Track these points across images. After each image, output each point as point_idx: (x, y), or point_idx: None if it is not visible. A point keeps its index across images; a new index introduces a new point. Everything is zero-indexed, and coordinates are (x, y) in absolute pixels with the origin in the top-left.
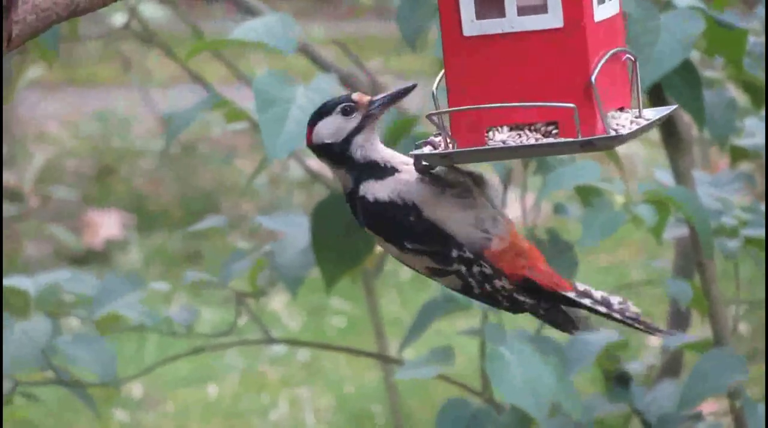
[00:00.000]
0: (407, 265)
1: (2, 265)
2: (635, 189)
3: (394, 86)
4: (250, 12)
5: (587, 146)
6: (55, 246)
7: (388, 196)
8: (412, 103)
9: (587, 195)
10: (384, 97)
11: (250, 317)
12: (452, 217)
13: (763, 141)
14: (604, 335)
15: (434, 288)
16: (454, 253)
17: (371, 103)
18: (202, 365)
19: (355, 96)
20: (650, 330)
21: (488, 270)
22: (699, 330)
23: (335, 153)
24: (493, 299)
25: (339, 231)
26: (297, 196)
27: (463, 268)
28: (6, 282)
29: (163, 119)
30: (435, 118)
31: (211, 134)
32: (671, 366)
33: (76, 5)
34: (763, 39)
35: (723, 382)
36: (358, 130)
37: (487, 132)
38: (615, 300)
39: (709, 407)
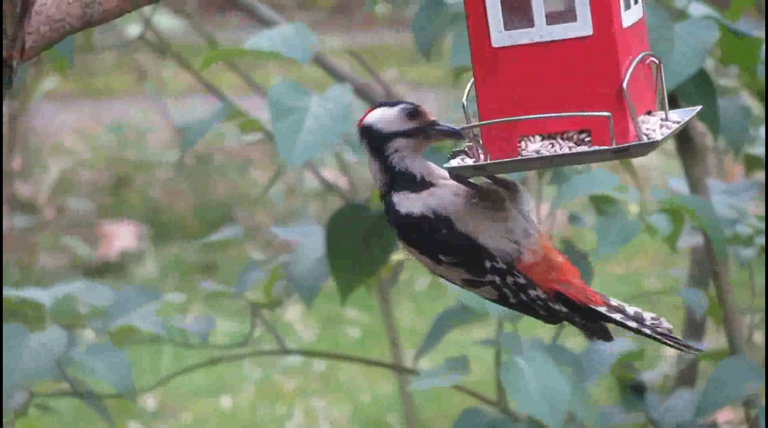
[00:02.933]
0: (443, 278)
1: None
2: (650, 198)
3: (409, 99)
4: (266, 22)
5: (622, 153)
6: (71, 257)
7: (420, 210)
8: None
9: (602, 204)
10: (448, 126)
11: (265, 328)
12: (483, 229)
13: None
14: (619, 345)
15: (450, 298)
16: (487, 264)
17: (433, 122)
18: (218, 376)
19: (423, 107)
20: (681, 346)
21: (522, 281)
22: (714, 338)
23: (374, 141)
24: (530, 309)
25: (354, 241)
26: (312, 206)
27: (497, 279)
28: (21, 293)
29: (178, 130)
30: (469, 130)
31: (226, 145)
32: (686, 375)
33: (90, 16)
34: None
35: (739, 391)
36: (406, 134)
37: (519, 141)
38: (647, 316)
39: (724, 416)
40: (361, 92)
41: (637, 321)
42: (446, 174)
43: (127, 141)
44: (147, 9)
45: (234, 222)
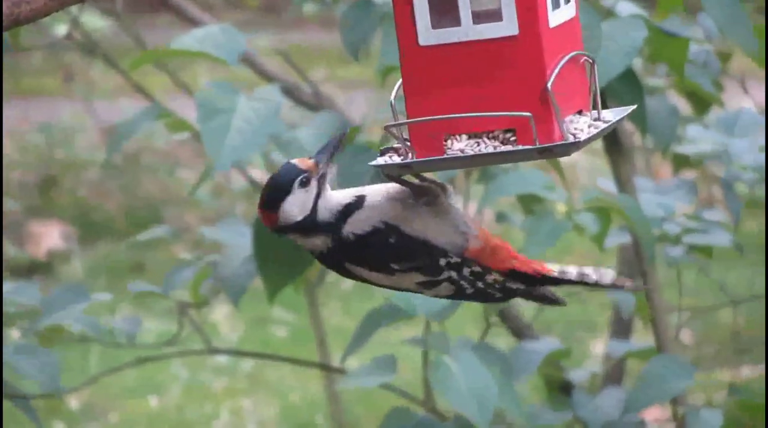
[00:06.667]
0: (397, 289)
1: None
2: (577, 197)
3: (339, 99)
4: (195, 22)
5: (545, 153)
6: None
7: (365, 226)
8: (356, 112)
9: (529, 203)
10: (324, 154)
11: (192, 327)
12: (430, 227)
13: (705, 148)
14: (546, 343)
15: (378, 298)
16: (442, 262)
17: (317, 164)
18: (146, 376)
19: (301, 165)
20: (627, 287)
21: (478, 269)
22: (642, 337)
23: (306, 226)
24: (485, 295)
25: (281, 241)
26: (240, 206)
27: (454, 273)
28: None
29: (106, 130)
30: (394, 128)
31: (154, 145)
32: (614, 374)
33: (17, 15)
34: (704, 47)
35: (667, 389)
36: (318, 195)
37: (445, 140)
38: (589, 270)
39: (652, 414)
40: (290, 92)
41: (583, 278)
42: (360, 189)
43: (56, 141)
44: (75, 8)
45: (162, 222)
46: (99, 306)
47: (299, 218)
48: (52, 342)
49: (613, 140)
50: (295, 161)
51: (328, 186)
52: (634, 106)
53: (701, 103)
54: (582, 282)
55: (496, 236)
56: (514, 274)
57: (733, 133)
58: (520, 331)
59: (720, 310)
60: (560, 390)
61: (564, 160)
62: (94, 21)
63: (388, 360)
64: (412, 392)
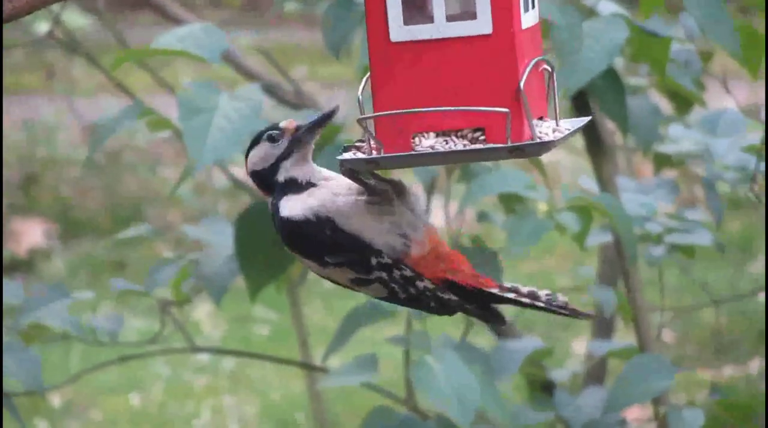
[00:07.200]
0: (330, 280)
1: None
2: (559, 196)
3: (320, 98)
4: (176, 20)
5: (516, 152)
6: None
7: (302, 213)
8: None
9: (511, 202)
10: (310, 121)
11: (174, 326)
12: (368, 226)
13: (686, 148)
14: (528, 342)
15: (359, 297)
16: (373, 261)
17: (298, 128)
18: (128, 374)
19: (283, 123)
20: (577, 315)
21: (408, 273)
22: (623, 336)
23: (264, 179)
24: (420, 302)
25: (263, 239)
26: (222, 204)
27: (384, 274)
28: None
29: (88, 128)
30: (362, 122)
31: (136, 143)
32: (596, 373)
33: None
34: (686, 46)
35: (648, 388)
36: (285, 155)
37: (413, 138)
38: (542, 293)
39: (633, 413)
40: (272, 90)
41: (531, 298)
42: (330, 174)
43: (37, 138)
44: (56, 6)
45: (144, 220)
46: (81, 304)
47: (257, 168)
48: (34, 339)
49: (595, 139)
50: (282, 122)
51: (306, 154)
52: (590, 118)
53: (683, 102)
54: (531, 305)
55: (452, 249)
56: (448, 285)
57: (715, 132)
58: (501, 330)
59: (702, 310)
60: (542, 389)
61: (545, 159)
62: (75, 19)
63: (369, 359)
64: (393, 391)
